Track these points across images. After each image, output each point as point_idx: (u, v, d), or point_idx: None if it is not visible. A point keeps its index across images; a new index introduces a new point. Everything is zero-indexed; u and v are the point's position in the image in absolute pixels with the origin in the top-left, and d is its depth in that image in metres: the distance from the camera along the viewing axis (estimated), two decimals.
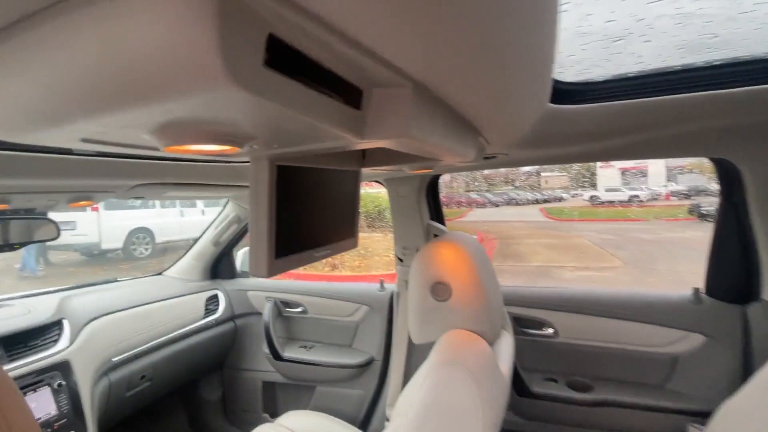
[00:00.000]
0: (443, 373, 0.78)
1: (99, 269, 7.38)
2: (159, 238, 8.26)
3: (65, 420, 1.20)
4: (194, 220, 8.26)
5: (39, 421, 1.14)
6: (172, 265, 2.06)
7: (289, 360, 1.84)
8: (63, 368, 1.25)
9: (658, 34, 0.64)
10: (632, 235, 10.27)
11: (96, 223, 7.47)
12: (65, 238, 7.13)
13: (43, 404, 1.17)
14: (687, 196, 13.05)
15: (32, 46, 0.21)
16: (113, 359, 1.43)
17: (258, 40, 0.20)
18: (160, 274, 2.05)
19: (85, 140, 0.30)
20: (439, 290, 0.93)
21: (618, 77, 0.78)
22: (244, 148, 0.34)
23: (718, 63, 0.73)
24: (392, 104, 0.34)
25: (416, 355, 1.69)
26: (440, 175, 1.63)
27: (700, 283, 1.37)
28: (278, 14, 0.20)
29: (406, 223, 1.66)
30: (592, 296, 1.47)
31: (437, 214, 1.70)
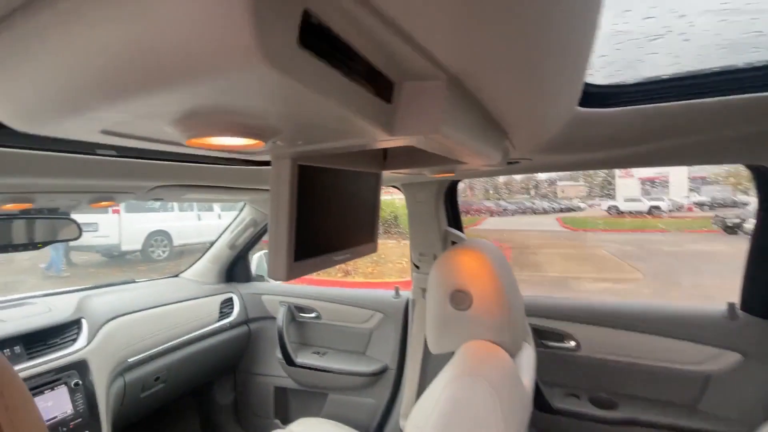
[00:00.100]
0: (463, 385, 0.75)
1: (118, 270, 7.54)
2: (176, 241, 8.41)
3: (81, 419, 1.21)
4: (211, 223, 8.39)
5: (55, 419, 1.15)
6: (189, 268, 2.08)
7: (302, 366, 1.82)
8: (80, 367, 1.26)
9: (699, 32, 0.61)
10: (653, 247, 9.98)
11: (117, 225, 7.65)
12: (87, 239, 7.33)
13: (59, 403, 1.18)
14: (711, 208, 12.63)
15: (53, 26, 0.20)
16: (129, 360, 1.44)
17: (293, 15, 0.18)
18: (176, 276, 2.07)
19: (106, 132, 0.29)
20: (459, 299, 0.89)
21: (651, 80, 0.75)
22: (268, 144, 0.33)
23: (760, 65, 0.69)
24: (425, 98, 0.32)
25: (432, 365, 1.64)
26: (459, 181, 1.61)
27: (729, 298, 1.30)
28: None
29: (424, 229, 1.63)
30: (617, 308, 1.41)
31: (455, 221, 1.66)
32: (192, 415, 2.06)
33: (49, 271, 6.94)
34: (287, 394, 1.99)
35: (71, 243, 1.32)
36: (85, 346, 1.30)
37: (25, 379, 1.13)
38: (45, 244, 1.16)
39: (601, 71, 0.73)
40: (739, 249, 1.32)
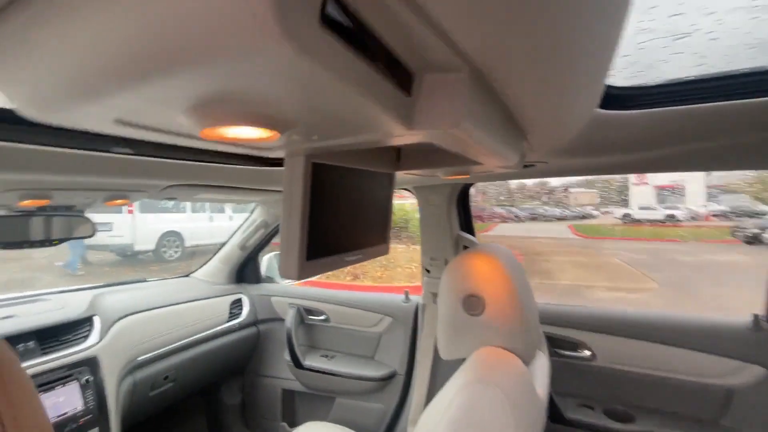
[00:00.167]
0: (475, 392, 0.73)
1: (131, 270, 7.66)
2: (188, 242, 8.52)
3: (90, 416, 1.21)
4: (222, 225, 8.49)
5: (65, 415, 1.15)
6: (200, 268, 2.09)
7: (310, 369, 1.81)
8: (91, 364, 1.26)
9: (728, 31, 0.58)
10: (669, 257, 9.75)
11: (131, 225, 7.79)
12: (102, 238, 7.49)
13: (70, 399, 1.18)
14: (730, 217, 12.31)
15: (66, 8, 0.19)
16: (139, 358, 1.45)
17: None
18: (187, 275, 2.08)
19: (119, 121, 0.28)
20: (472, 304, 0.87)
21: (675, 81, 0.72)
22: (283, 136, 0.32)
23: None
24: (446, 91, 0.31)
25: (441, 371, 1.62)
26: (472, 184, 1.59)
27: (750, 310, 1.24)
28: None
29: (435, 233, 1.61)
30: (634, 318, 1.37)
31: (468, 225, 1.64)
32: (200, 416, 2.06)
33: (67, 269, 7.10)
34: (295, 396, 1.98)
35: (87, 242, 1.34)
36: (97, 343, 1.31)
37: (38, 375, 1.14)
38: (60, 241, 1.17)
39: (622, 72, 0.71)
40: (760, 260, 1.26)
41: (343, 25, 0.20)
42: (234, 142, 0.33)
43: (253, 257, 2.12)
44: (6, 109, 0.65)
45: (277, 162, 1.03)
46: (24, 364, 1.11)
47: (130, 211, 7.73)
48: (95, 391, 1.24)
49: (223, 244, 2.08)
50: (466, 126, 0.34)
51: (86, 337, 1.31)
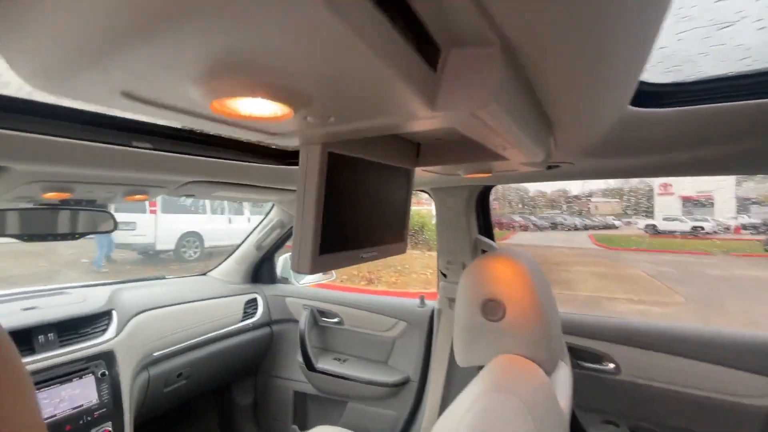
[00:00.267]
0: (494, 401, 0.69)
1: (152, 268, 7.85)
2: (207, 243, 8.67)
3: (105, 409, 1.22)
4: (240, 227, 8.61)
5: (80, 408, 1.17)
6: (216, 267, 2.11)
7: (322, 371, 1.79)
8: (108, 358, 1.28)
9: None
10: (696, 270, 9.36)
11: (153, 225, 7.99)
12: (125, 237, 7.72)
13: (86, 392, 1.20)
14: (762, 231, 11.75)
15: None
16: (154, 354, 1.46)
17: None
18: (204, 274, 2.10)
19: (126, 94, 0.27)
20: (491, 308, 0.84)
21: (716, 77, 0.68)
22: (297, 116, 0.30)
23: None
24: (475, 68, 0.29)
25: (457, 378, 1.57)
26: (492, 187, 1.54)
27: None
28: None
29: (453, 236, 1.57)
30: (663, 330, 1.29)
31: (486, 229, 1.60)
32: (212, 415, 2.07)
33: (94, 266, 7.34)
34: (306, 399, 1.96)
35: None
36: (114, 338, 1.32)
37: (56, 366, 1.16)
38: (82, 234, 1.20)
39: (657, 66, 0.67)
40: None
41: None
42: (246, 121, 0.31)
43: (269, 257, 2.12)
44: (28, 99, 0.66)
45: (294, 161, 1.03)
46: (43, 355, 1.13)
47: (153, 211, 7.94)
48: (110, 384, 1.26)
49: (240, 244, 2.10)
50: (494, 108, 0.31)
51: (104, 330, 1.33)
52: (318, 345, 1.93)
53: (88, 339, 1.27)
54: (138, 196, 1.09)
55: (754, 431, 1.14)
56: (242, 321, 1.89)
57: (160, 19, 0.18)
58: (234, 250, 2.11)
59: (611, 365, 1.33)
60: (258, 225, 2.05)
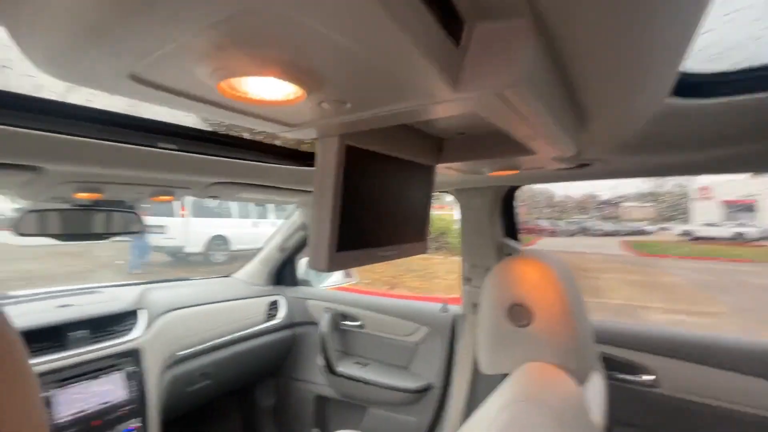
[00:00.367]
0: (521, 412, 0.65)
1: (181, 271, 8.12)
2: (234, 246, 8.90)
3: (132, 406, 1.25)
4: (266, 231, 8.79)
5: (109, 403, 1.20)
6: (241, 268, 2.15)
7: (343, 375, 1.77)
8: (136, 355, 1.31)
9: None
10: (738, 278, 8.81)
11: (182, 229, 8.28)
12: (157, 240, 8.03)
13: (115, 388, 1.23)
14: None
15: None
16: (179, 353, 1.49)
17: None
18: (228, 276, 2.14)
19: (134, 77, 0.26)
20: (518, 314, 0.79)
21: (764, 65, 0.62)
22: (311, 99, 0.28)
23: None
24: (502, 41, 0.26)
25: (480, 386, 1.52)
26: (517, 188, 1.49)
27: None
28: None
29: (477, 239, 1.53)
30: (707, 341, 1.20)
31: (512, 232, 1.55)
32: (235, 416, 2.09)
33: (131, 269, 7.68)
34: (327, 403, 1.95)
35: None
36: (141, 336, 1.36)
37: (87, 362, 1.20)
38: (112, 234, 1.24)
39: (700, 53, 0.62)
40: None
41: None
42: (258, 108, 0.30)
43: (291, 259, 2.14)
44: (60, 101, 0.68)
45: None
46: (75, 351, 1.17)
47: (183, 215, 8.23)
48: (138, 382, 1.29)
49: (263, 246, 2.13)
50: (522, 90, 0.28)
51: (132, 329, 1.36)
52: (339, 348, 1.92)
53: (117, 336, 1.31)
54: (164, 197, 1.12)
55: None
56: (265, 323, 1.90)
57: None
58: (258, 252, 2.14)
59: (649, 377, 1.25)
60: (281, 227, 2.07)
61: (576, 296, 0.82)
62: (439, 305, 1.75)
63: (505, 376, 0.79)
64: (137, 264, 7.75)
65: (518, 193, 1.55)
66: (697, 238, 12.64)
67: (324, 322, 1.85)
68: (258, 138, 0.97)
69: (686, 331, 1.28)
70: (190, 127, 0.83)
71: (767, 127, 0.70)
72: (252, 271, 2.10)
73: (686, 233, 13.15)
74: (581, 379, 0.78)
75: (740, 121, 0.68)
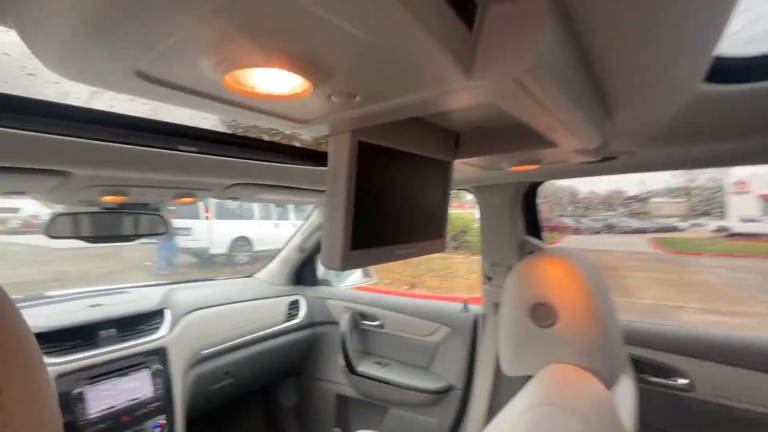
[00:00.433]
0: (545, 416, 0.62)
1: (205, 272, 8.35)
2: (256, 247, 9.08)
3: (159, 403, 1.29)
4: (287, 232, 8.92)
5: (136, 400, 1.24)
6: (262, 269, 2.18)
7: (364, 375, 1.77)
8: (161, 354, 1.35)
9: None
10: None
11: (207, 231, 8.50)
12: (182, 242, 8.29)
13: (142, 385, 1.27)
14: None
15: None
16: (202, 352, 1.52)
17: None
18: (250, 276, 2.18)
19: (140, 74, 0.26)
20: (542, 313, 0.77)
21: None
22: (319, 91, 0.28)
23: None
24: (518, 22, 0.25)
25: (503, 388, 1.48)
26: (539, 184, 1.45)
27: None
28: None
29: (498, 237, 1.49)
30: (746, 342, 1.13)
31: (534, 230, 1.50)
32: (257, 414, 2.12)
33: (159, 271, 7.96)
34: (348, 403, 1.95)
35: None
36: (167, 335, 1.40)
37: (116, 360, 1.24)
38: (139, 236, 1.27)
39: (736, 34, 0.58)
40: None
41: None
42: (266, 103, 0.29)
43: (311, 259, 2.15)
44: (86, 108, 0.70)
45: None
46: (105, 349, 1.21)
47: (207, 217, 8.45)
48: (163, 379, 1.32)
49: (283, 246, 2.15)
50: (540, 74, 0.27)
51: (158, 328, 1.40)
52: (359, 348, 1.91)
53: (144, 335, 1.35)
54: (186, 199, 1.15)
55: None
56: (286, 322, 1.93)
57: None
58: (278, 253, 2.17)
59: (683, 381, 1.19)
60: (300, 227, 2.09)
61: (603, 295, 0.78)
62: (459, 305, 1.72)
63: (529, 377, 0.76)
64: (164, 265, 8.02)
65: (540, 190, 1.50)
66: (734, 235, 12.00)
67: (343, 322, 1.85)
68: (276, 139, 0.98)
69: (722, 332, 1.21)
70: (210, 130, 0.85)
71: None
72: (273, 271, 2.13)
73: (721, 229, 12.52)
74: (610, 381, 0.74)
75: None
